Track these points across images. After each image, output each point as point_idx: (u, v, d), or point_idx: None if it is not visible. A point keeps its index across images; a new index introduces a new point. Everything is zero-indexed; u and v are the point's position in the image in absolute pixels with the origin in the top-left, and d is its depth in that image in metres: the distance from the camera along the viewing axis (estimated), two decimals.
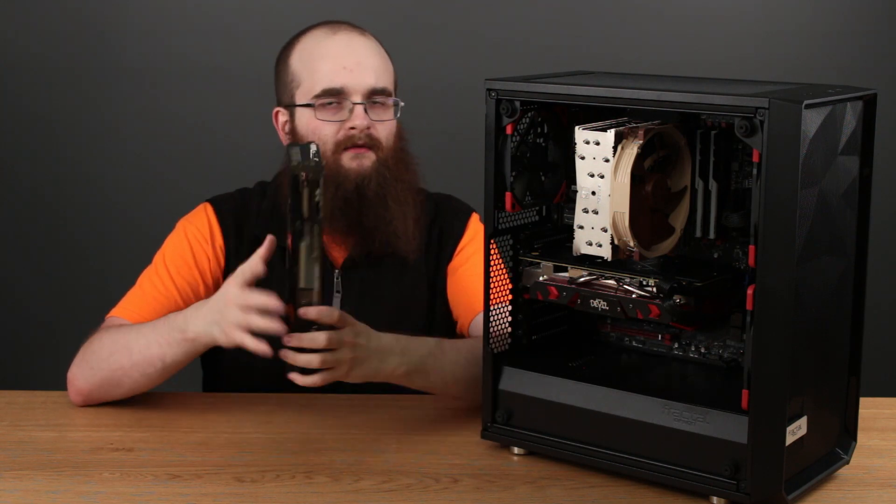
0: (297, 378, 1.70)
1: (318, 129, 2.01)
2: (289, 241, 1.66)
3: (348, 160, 2.01)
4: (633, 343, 1.84)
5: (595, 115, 1.68)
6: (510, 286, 1.77)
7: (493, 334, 1.75)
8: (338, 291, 2.06)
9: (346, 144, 2.01)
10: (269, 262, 1.74)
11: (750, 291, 1.51)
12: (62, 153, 3.48)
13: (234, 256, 2.06)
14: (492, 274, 1.74)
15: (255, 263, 1.73)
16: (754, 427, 1.52)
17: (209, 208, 2.10)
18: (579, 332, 1.88)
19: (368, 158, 2.01)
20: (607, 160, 1.60)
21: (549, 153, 1.77)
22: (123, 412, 1.89)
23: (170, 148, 3.47)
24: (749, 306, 1.51)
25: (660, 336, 1.81)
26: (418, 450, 1.76)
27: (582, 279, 1.71)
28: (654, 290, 1.64)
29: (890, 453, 1.77)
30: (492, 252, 1.73)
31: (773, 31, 3.46)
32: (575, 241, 1.66)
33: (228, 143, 3.43)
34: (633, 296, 1.65)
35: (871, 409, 1.88)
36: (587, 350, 1.84)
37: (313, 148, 1.66)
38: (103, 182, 3.49)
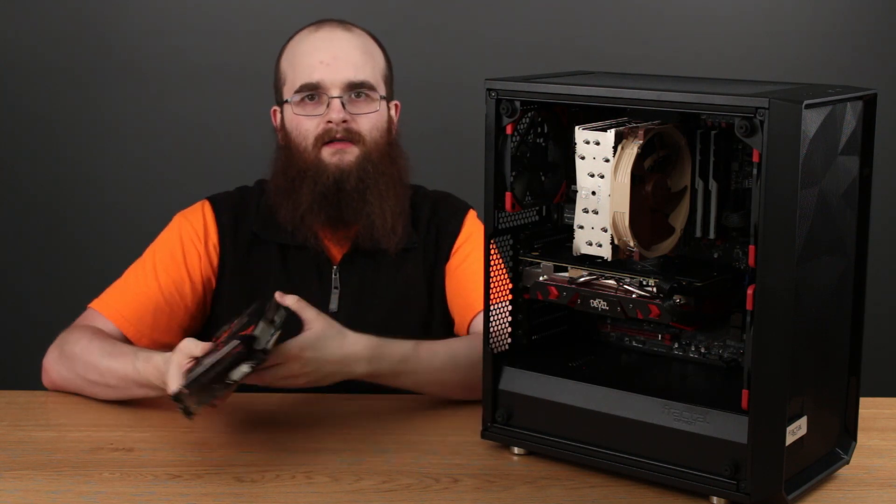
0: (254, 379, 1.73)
1: (300, 124, 2.03)
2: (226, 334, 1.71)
3: (329, 156, 2.01)
4: (633, 343, 1.84)
5: (595, 115, 1.68)
6: (510, 286, 1.77)
7: (493, 334, 1.75)
8: (335, 287, 2.06)
9: (325, 139, 2.01)
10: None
11: (750, 291, 1.51)
12: (62, 153, 3.48)
13: (229, 255, 2.06)
14: (492, 274, 1.74)
15: (191, 350, 1.72)
16: (754, 427, 1.52)
17: (207, 206, 2.10)
18: (579, 332, 1.88)
19: (350, 154, 2.02)
20: (607, 160, 1.60)
21: (549, 153, 1.77)
22: (123, 412, 1.89)
23: (170, 148, 3.47)
24: (749, 306, 1.51)
25: (660, 336, 1.81)
26: (418, 450, 1.76)
27: (582, 279, 1.71)
28: (654, 290, 1.64)
29: (890, 453, 1.77)
30: (492, 252, 1.73)
31: (773, 31, 3.46)
32: (575, 241, 1.66)
33: (228, 143, 3.43)
34: (633, 296, 1.65)
35: (871, 409, 1.88)
36: (587, 350, 1.84)
37: (279, 318, 1.70)
38: (103, 182, 3.49)
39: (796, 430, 1.56)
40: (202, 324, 2.09)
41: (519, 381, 1.74)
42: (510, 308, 1.78)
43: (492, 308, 1.74)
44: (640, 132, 1.59)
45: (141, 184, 3.47)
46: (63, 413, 1.90)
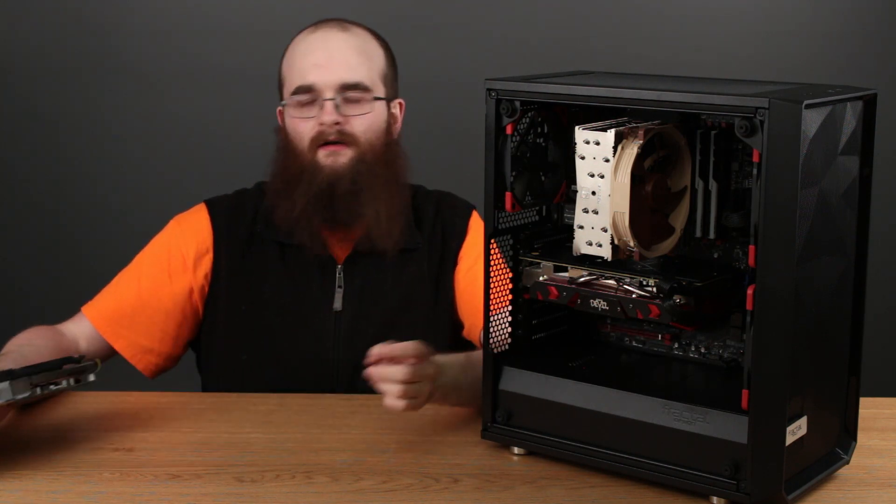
0: (387, 402, 1.72)
1: (296, 126, 2.03)
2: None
3: (323, 157, 2.01)
4: (633, 343, 1.84)
5: (595, 115, 1.68)
6: (510, 286, 1.77)
7: (494, 334, 1.75)
8: (339, 287, 2.06)
9: (319, 141, 2.01)
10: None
11: (750, 291, 1.51)
12: (62, 153, 3.48)
13: (224, 258, 2.06)
14: (492, 274, 1.74)
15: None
16: (754, 427, 1.52)
17: (203, 210, 2.11)
18: (579, 332, 1.88)
19: (344, 156, 2.01)
20: (607, 160, 1.60)
21: (549, 153, 1.77)
22: (123, 412, 1.89)
23: (170, 148, 3.47)
24: (749, 306, 1.51)
25: (660, 336, 1.81)
26: (418, 450, 1.76)
27: (582, 279, 1.70)
28: (654, 290, 1.64)
29: (890, 453, 1.76)
30: (492, 252, 1.73)
31: (773, 31, 3.46)
32: (575, 241, 1.66)
33: (228, 143, 3.43)
34: (633, 296, 1.65)
35: (871, 409, 1.88)
36: (587, 350, 1.84)
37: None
38: (103, 182, 3.49)
39: (796, 430, 1.56)
40: (196, 328, 2.09)
41: (519, 381, 1.74)
42: (510, 308, 1.78)
43: (492, 308, 1.74)
44: (640, 132, 1.59)
45: (141, 184, 3.48)
46: (63, 413, 1.90)
